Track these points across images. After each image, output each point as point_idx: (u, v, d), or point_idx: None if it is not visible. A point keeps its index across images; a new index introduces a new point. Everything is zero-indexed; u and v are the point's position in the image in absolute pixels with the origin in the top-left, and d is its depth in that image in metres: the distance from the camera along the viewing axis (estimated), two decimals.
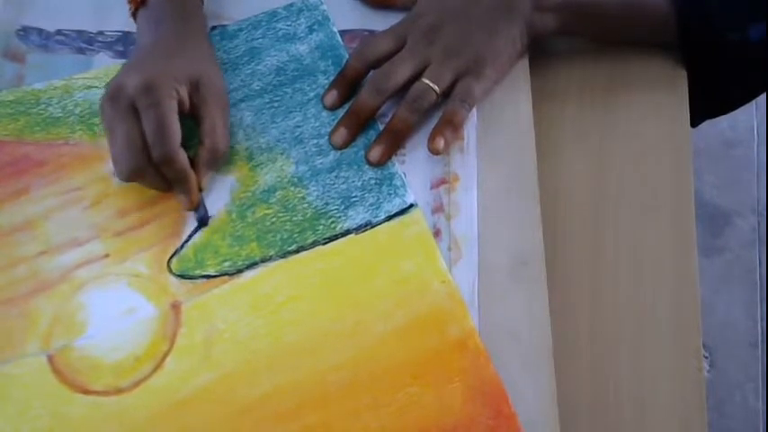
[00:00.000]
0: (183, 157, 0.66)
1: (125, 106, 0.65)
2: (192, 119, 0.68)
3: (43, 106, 0.73)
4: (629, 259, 0.68)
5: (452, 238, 0.66)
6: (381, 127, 0.70)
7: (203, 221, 0.68)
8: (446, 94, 0.70)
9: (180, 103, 0.66)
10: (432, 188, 0.68)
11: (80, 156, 0.71)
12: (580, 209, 0.70)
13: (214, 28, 0.77)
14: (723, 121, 1.76)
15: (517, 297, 0.64)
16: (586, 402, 0.63)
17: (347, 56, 0.74)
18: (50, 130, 0.72)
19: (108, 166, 0.69)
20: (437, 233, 0.66)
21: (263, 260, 0.65)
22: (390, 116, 0.70)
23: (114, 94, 0.66)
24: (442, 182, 0.69)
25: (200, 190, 0.68)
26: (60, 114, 0.72)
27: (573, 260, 0.68)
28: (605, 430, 0.62)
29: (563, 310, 0.65)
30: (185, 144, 0.66)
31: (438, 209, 0.67)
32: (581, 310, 0.66)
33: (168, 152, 0.65)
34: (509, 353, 0.61)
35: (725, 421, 1.55)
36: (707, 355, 1.58)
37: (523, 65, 0.73)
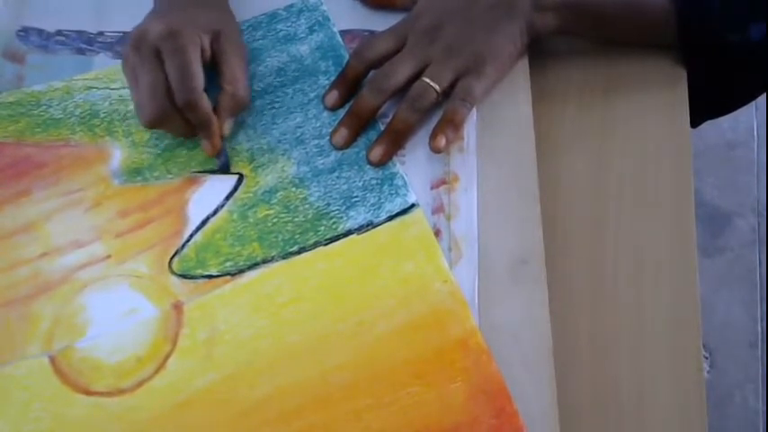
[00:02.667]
0: (206, 102, 0.67)
1: (149, 52, 0.66)
2: (212, 69, 0.70)
3: (44, 108, 0.73)
4: (629, 259, 0.68)
5: (452, 239, 0.66)
6: (382, 127, 0.70)
7: (224, 167, 0.70)
8: (446, 94, 0.70)
9: (201, 52, 0.68)
10: (432, 188, 0.68)
11: (81, 157, 0.71)
12: (580, 209, 0.70)
13: None
14: (723, 122, 1.76)
15: (517, 297, 0.64)
16: (586, 402, 0.63)
17: (348, 56, 0.74)
18: (51, 131, 0.72)
19: (109, 167, 0.70)
20: (437, 233, 0.66)
21: (265, 261, 0.65)
22: (391, 116, 0.70)
23: (138, 41, 0.67)
24: (442, 182, 0.69)
25: (222, 137, 0.69)
26: (61, 116, 0.72)
27: (573, 260, 0.68)
28: (605, 430, 0.62)
29: (563, 310, 0.64)
30: (208, 92, 0.67)
31: (438, 209, 0.67)
32: (581, 309, 0.66)
33: (193, 97, 0.66)
34: (509, 353, 0.61)
35: (725, 421, 1.55)
36: (707, 355, 1.58)
37: (523, 65, 0.73)
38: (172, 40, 0.66)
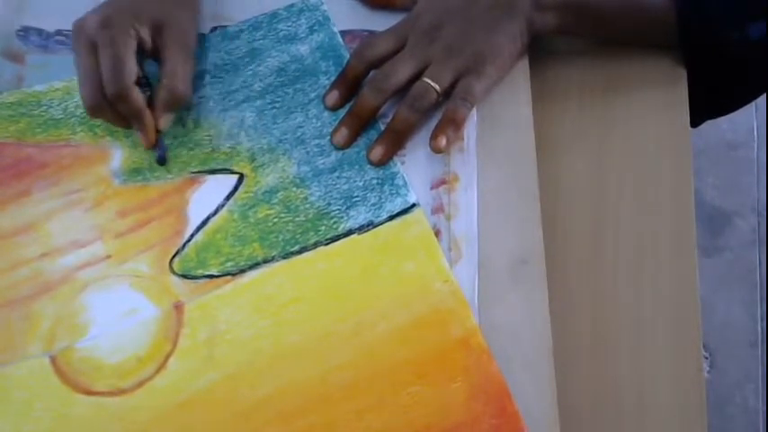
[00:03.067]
0: (136, 95, 0.67)
1: (85, 42, 0.67)
2: (156, 61, 0.70)
3: (44, 108, 0.73)
4: (629, 259, 0.68)
5: (452, 239, 0.66)
6: (383, 127, 0.70)
7: (161, 161, 0.70)
8: (447, 94, 0.70)
9: (141, 43, 0.68)
10: (432, 188, 0.68)
11: (81, 157, 0.71)
12: (580, 209, 0.70)
13: (215, 29, 0.77)
14: (723, 123, 1.76)
15: (517, 297, 0.64)
16: (586, 402, 0.63)
17: (348, 56, 0.74)
18: (51, 131, 0.72)
19: (109, 167, 0.70)
20: (437, 233, 0.66)
21: (266, 260, 0.65)
22: (391, 116, 0.70)
23: (77, 30, 0.68)
24: (442, 182, 0.69)
25: (158, 130, 0.69)
26: (61, 116, 0.73)
27: (573, 260, 0.68)
28: (605, 430, 0.62)
29: (563, 310, 0.65)
30: (151, 85, 0.68)
31: (438, 209, 0.67)
32: (581, 309, 0.66)
33: (121, 89, 0.66)
34: (509, 353, 0.61)
35: (725, 421, 1.55)
36: (707, 355, 1.58)
37: (523, 65, 0.73)
38: (106, 31, 0.67)
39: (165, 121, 0.70)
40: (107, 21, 0.67)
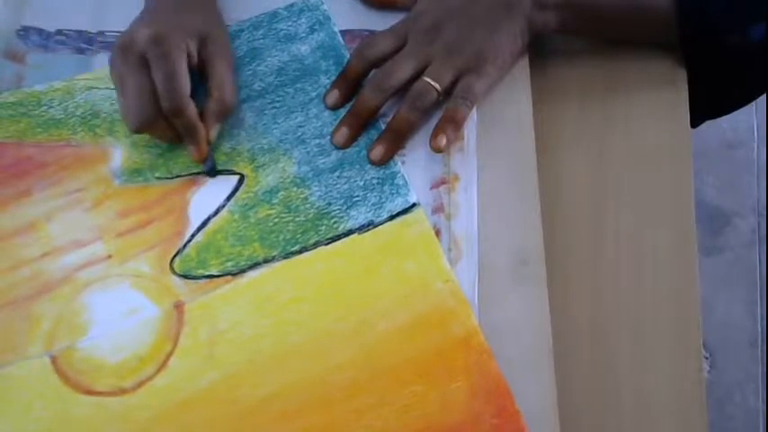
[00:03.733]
0: (192, 108, 0.67)
1: (135, 58, 0.66)
2: (199, 74, 0.70)
3: (45, 108, 0.73)
4: (629, 259, 0.68)
5: (452, 238, 0.66)
6: (383, 126, 0.70)
7: (211, 172, 0.69)
8: (447, 93, 0.70)
9: (189, 57, 0.68)
10: (432, 188, 0.68)
11: (82, 157, 0.71)
12: (580, 209, 0.70)
13: None
14: (723, 122, 1.76)
15: (517, 297, 0.64)
16: (586, 402, 0.63)
17: (348, 56, 0.74)
18: (52, 131, 0.72)
19: (110, 167, 0.70)
20: (437, 233, 0.66)
21: (266, 260, 0.65)
22: (392, 115, 0.70)
23: (125, 45, 0.67)
24: (442, 182, 0.69)
25: (209, 142, 0.69)
26: (62, 116, 0.73)
27: (573, 260, 0.68)
28: (605, 430, 0.62)
29: (563, 309, 0.65)
30: (193, 98, 0.68)
31: (438, 209, 0.67)
32: (581, 309, 0.66)
33: (178, 103, 0.66)
34: (509, 353, 0.61)
35: (725, 421, 1.55)
36: (707, 355, 1.58)
37: (523, 65, 0.73)
38: (158, 46, 0.66)
39: (215, 132, 0.70)
40: (159, 36, 0.66)
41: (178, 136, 0.69)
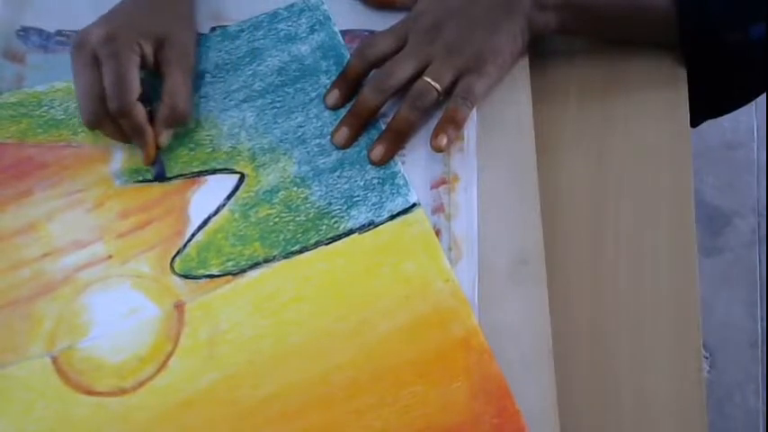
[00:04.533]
0: (139, 111, 0.67)
1: (88, 56, 0.67)
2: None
3: (45, 108, 0.73)
4: (629, 259, 0.68)
5: (452, 239, 0.66)
6: (383, 126, 0.70)
7: (159, 177, 0.70)
8: (448, 93, 0.70)
9: (144, 59, 0.68)
10: (432, 188, 0.68)
11: (83, 158, 0.71)
12: (580, 209, 0.70)
13: (215, 29, 0.77)
14: (723, 123, 1.76)
15: (517, 297, 0.64)
16: (586, 402, 0.63)
17: (348, 56, 0.74)
18: (53, 132, 0.72)
19: (110, 168, 0.70)
20: (437, 233, 0.66)
21: (267, 260, 0.65)
22: (392, 115, 0.70)
23: (79, 43, 0.68)
24: (442, 182, 0.69)
25: (158, 147, 0.69)
26: (62, 116, 0.73)
27: (573, 260, 0.68)
28: (605, 430, 0.62)
29: (563, 309, 0.65)
30: (150, 100, 0.68)
31: (438, 209, 0.67)
32: (581, 309, 0.66)
33: (124, 105, 0.66)
34: (509, 353, 0.61)
35: (725, 421, 1.55)
36: (707, 355, 1.58)
37: (523, 65, 0.73)
38: (108, 46, 0.67)
39: (165, 137, 0.70)
40: (110, 35, 0.67)
41: (127, 136, 0.70)
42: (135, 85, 0.67)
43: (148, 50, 0.69)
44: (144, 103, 0.68)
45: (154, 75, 0.70)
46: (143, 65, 0.69)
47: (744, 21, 0.71)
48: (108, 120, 0.68)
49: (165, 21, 0.71)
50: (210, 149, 0.71)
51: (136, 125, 0.68)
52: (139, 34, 0.68)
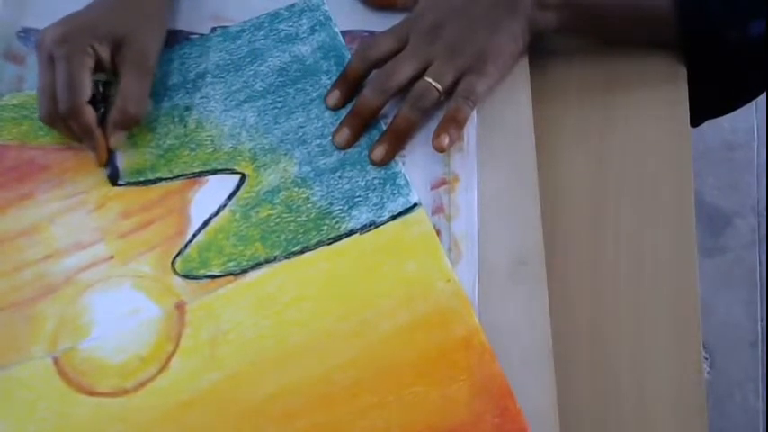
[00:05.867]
0: (86, 113, 0.68)
1: (44, 56, 0.68)
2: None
3: None
4: (629, 259, 0.68)
5: (453, 239, 0.66)
6: (384, 127, 0.70)
7: (112, 178, 0.70)
8: (449, 93, 0.70)
9: (100, 61, 0.69)
10: (432, 189, 0.68)
11: (84, 159, 0.71)
12: (580, 209, 0.70)
13: (215, 29, 0.77)
14: (723, 123, 1.76)
15: (517, 297, 0.64)
16: (586, 402, 0.63)
17: (349, 56, 0.74)
18: (54, 134, 0.72)
19: (111, 170, 0.70)
20: (437, 234, 0.66)
21: (268, 260, 0.65)
22: (393, 116, 0.70)
23: (38, 43, 0.70)
24: (442, 182, 0.69)
25: (110, 149, 0.70)
26: None
27: (573, 260, 0.68)
28: (605, 430, 0.62)
29: (563, 309, 0.65)
30: (107, 102, 0.70)
31: (438, 209, 0.67)
32: (581, 309, 0.66)
33: (71, 107, 0.67)
34: (509, 353, 0.61)
35: (725, 421, 1.55)
36: (707, 355, 1.58)
37: (523, 65, 0.73)
38: (61, 48, 0.67)
39: (116, 140, 0.70)
40: (64, 37, 0.68)
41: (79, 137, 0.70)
42: (84, 88, 0.67)
43: (104, 53, 0.69)
44: (100, 104, 0.69)
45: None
46: (99, 67, 0.69)
47: (744, 17, 0.71)
48: (60, 120, 0.69)
49: (125, 21, 0.71)
50: (211, 150, 0.71)
51: (84, 127, 0.68)
52: (94, 36, 0.69)
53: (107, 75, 0.71)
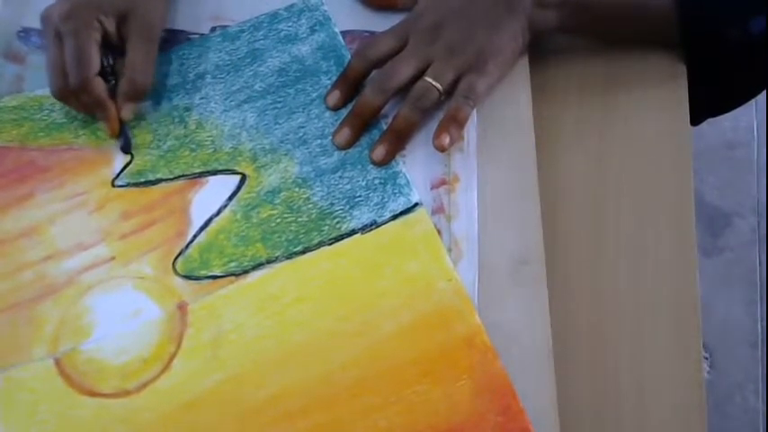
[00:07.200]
0: (97, 85, 0.69)
1: (51, 32, 0.70)
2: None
3: (46, 112, 0.73)
4: (629, 259, 0.68)
5: (453, 239, 0.66)
6: (385, 126, 0.70)
7: (125, 149, 0.71)
8: (449, 93, 0.70)
9: (107, 34, 0.70)
10: (432, 189, 0.69)
11: (84, 160, 0.71)
12: (580, 209, 0.70)
13: (215, 29, 0.77)
14: (723, 122, 1.76)
15: (517, 297, 0.64)
16: (586, 402, 0.62)
17: (349, 56, 0.74)
18: (54, 135, 0.72)
19: (112, 170, 0.70)
20: (437, 233, 0.66)
21: (269, 261, 0.65)
22: (393, 115, 0.70)
23: (44, 19, 0.71)
24: (443, 182, 0.69)
25: (122, 120, 0.71)
26: (64, 120, 0.73)
27: (573, 260, 0.68)
28: (605, 430, 0.62)
29: (563, 310, 0.65)
30: (117, 74, 0.71)
31: (438, 209, 0.67)
32: (581, 310, 0.66)
33: (82, 80, 0.69)
34: (509, 353, 0.61)
35: (725, 422, 1.55)
36: (707, 355, 1.58)
37: (523, 64, 0.73)
38: (69, 23, 0.69)
39: (128, 111, 0.71)
40: (71, 12, 0.69)
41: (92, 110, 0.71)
42: (93, 61, 0.69)
43: (110, 26, 0.70)
44: (110, 77, 0.71)
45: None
46: (106, 40, 0.70)
47: (744, 15, 0.71)
48: (71, 94, 0.70)
49: None
50: (212, 150, 0.71)
51: (96, 99, 0.70)
52: (100, 10, 0.70)
53: (114, 48, 0.72)
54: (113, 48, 0.72)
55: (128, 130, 0.72)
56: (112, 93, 0.71)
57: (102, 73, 0.70)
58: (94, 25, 0.69)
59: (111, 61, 0.72)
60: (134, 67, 0.71)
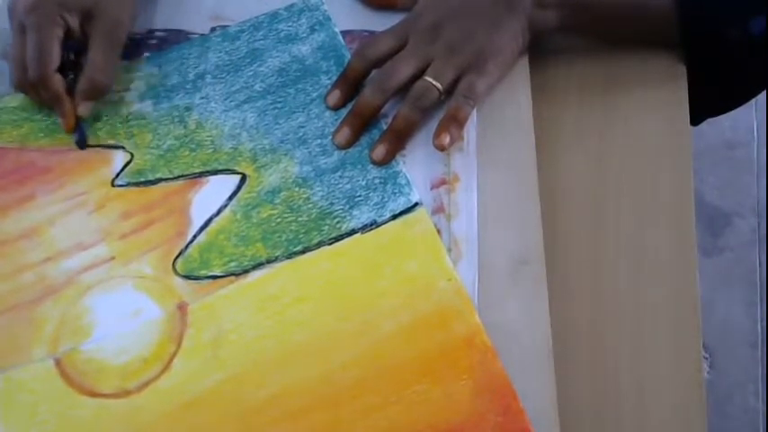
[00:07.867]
0: (55, 81, 0.70)
1: (16, 24, 0.71)
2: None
3: (46, 112, 0.73)
4: (629, 259, 0.68)
5: (453, 239, 0.66)
6: (385, 126, 0.70)
7: (80, 144, 0.72)
8: (449, 92, 0.70)
9: (70, 31, 0.70)
10: (432, 188, 0.68)
11: (84, 161, 0.71)
12: (580, 209, 0.70)
13: (215, 29, 0.77)
14: (723, 122, 1.76)
15: (517, 297, 0.64)
16: (586, 403, 0.62)
17: (349, 56, 0.74)
18: (54, 136, 0.72)
19: (112, 170, 0.70)
20: (437, 233, 0.66)
21: (269, 261, 0.65)
22: (393, 115, 0.70)
23: (10, 11, 0.72)
24: (442, 182, 0.69)
25: (78, 116, 0.71)
26: None
27: (573, 260, 0.68)
28: (605, 430, 0.62)
29: (563, 310, 0.64)
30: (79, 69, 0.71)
31: (438, 209, 0.67)
32: (581, 310, 0.66)
33: (40, 75, 0.69)
34: (509, 353, 0.61)
35: (725, 422, 1.55)
36: (707, 355, 1.58)
37: (523, 64, 0.73)
38: (33, 16, 0.69)
39: (85, 108, 0.72)
40: (34, 5, 0.69)
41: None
42: (52, 57, 0.69)
43: (73, 23, 0.71)
44: (70, 72, 0.71)
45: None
46: (69, 36, 0.71)
47: (744, 15, 0.71)
48: (31, 87, 0.71)
49: None
50: (212, 150, 0.71)
51: (52, 95, 0.70)
52: (63, 6, 0.70)
53: (78, 43, 0.72)
54: (78, 42, 0.72)
55: (84, 126, 0.72)
56: (72, 87, 0.71)
57: (64, 67, 0.71)
58: (57, 21, 0.70)
59: (73, 56, 0.72)
60: (94, 66, 0.71)
